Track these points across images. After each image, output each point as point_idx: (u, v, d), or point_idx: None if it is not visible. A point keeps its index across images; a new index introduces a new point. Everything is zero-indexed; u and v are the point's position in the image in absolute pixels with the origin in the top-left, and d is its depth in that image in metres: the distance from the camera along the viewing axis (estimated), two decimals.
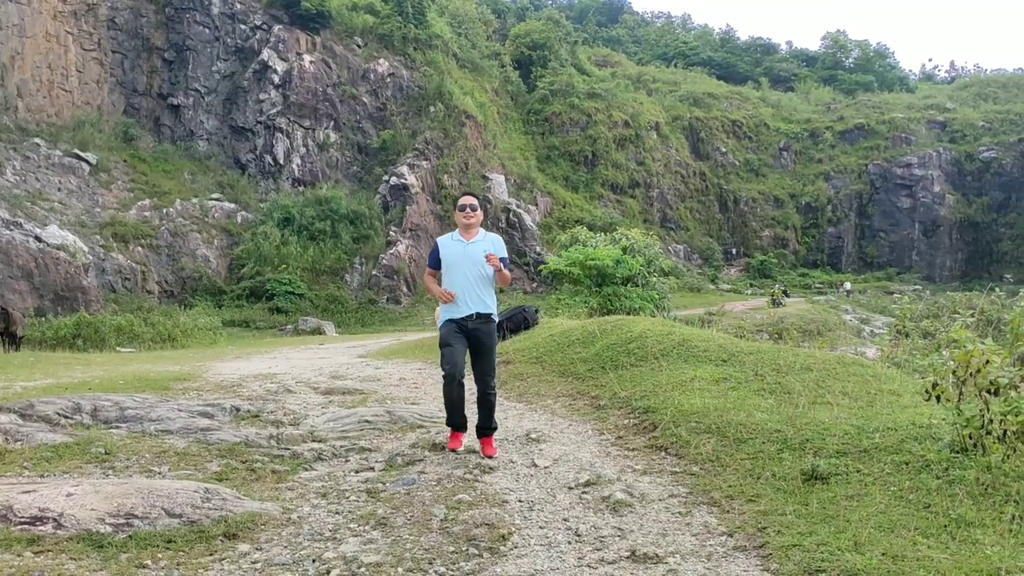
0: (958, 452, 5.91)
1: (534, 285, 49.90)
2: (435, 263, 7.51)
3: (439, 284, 7.53)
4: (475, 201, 7.52)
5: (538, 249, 52.93)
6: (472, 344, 7.34)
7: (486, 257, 7.31)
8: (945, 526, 4.95)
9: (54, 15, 47.15)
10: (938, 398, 6.36)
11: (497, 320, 7.58)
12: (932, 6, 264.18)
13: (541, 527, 5.56)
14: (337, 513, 5.92)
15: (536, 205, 59.51)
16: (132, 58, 51.33)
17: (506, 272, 7.42)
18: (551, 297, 25.65)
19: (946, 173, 76.64)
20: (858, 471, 5.90)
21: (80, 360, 17.52)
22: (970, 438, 5.95)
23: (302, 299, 42.79)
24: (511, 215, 55.03)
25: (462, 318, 7.29)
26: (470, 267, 7.30)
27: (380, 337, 28.53)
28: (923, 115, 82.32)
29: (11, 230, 33.10)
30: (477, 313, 7.30)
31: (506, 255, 7.49)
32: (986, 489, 5.35)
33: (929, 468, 5.77)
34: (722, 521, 5.46)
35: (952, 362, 6.41)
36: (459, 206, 7.48)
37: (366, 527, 5.60)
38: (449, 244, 7.47)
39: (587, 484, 6.45)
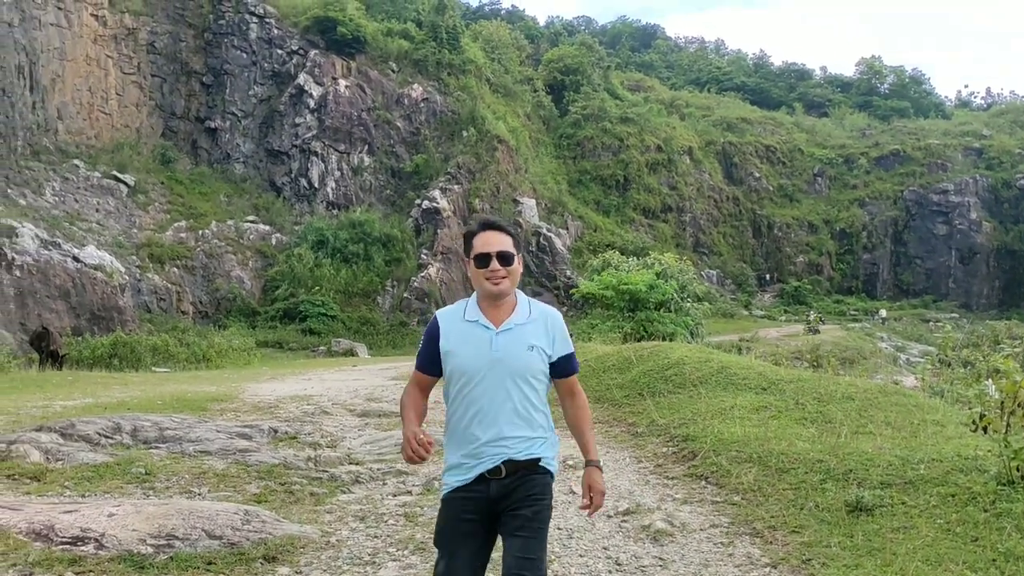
0: (1005, 484, 5.81)
1: (564, 309, 49.84)
2: (428, 364, 3.79)
3: (422, 404, 3.88)
4: (508, 243, 3.75)
5: (569, 273, 52.86)
6: (504, 522, 3.64)
7: (584, 507, 3.77)
8: (993, 560, 4.86)
9: (95, 39, 47.99)
10: (985, 429, 6.25)
11: (555, 472, 3.80)
12: (968, 32, 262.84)
13: (581, 555, 5.52)
14: (376, 537, 5.91)
15: (567, 229, 59.49)
16: (171, 82, 52.09)
17: (596, 497, 3.77)
18: (582, 321, 25.58)
19: (983, 200, 75.72)
20: (903, 503, 5.81)
21: (117, 380, 17.69)
22: (1018, 470, 5.84)
23: (334, 321, 42.94)
24: (542, 239, 55.06)
25: (480, 479, 3.63)
26: (505, 379, 3.64)
27: (412, 359, 28.57)
28: (959, 142, 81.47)
29: (50, 250, 33.57)
30: (513, 462, 3.62)
31: (572, 348, 3.83)
32: None
33: (976, 500, 5.67)
34: (765, 552, 5.39)
35: (999, 393, 6.31)
36: (477, 256, 3.72)
37: (405, 551, 5.59)
38: (460, 328, 3.73)
39: (627, 513, 6.40)
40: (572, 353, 3.82)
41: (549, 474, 3.71)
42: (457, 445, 3.69)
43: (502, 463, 3.61)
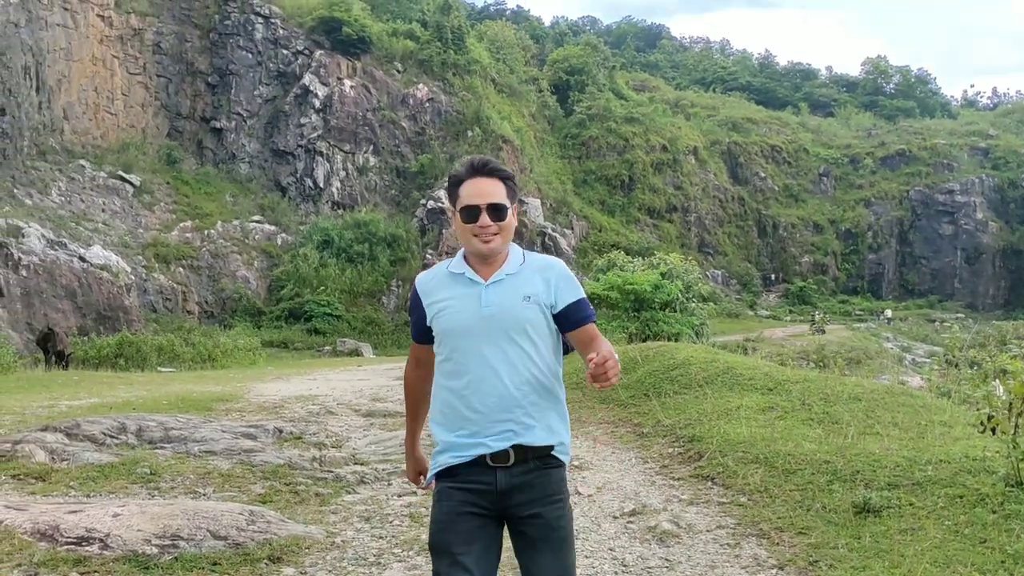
0: (1013, 486, 5.77)
1: None
2: (419, 332, 3.29)
3: (426, 378, 3.34)
4: (501, 192, 3.16)
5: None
6: (520, 529, 3.10)
7: (590, 361, 2.93)
8: (1002, 562, 4.83)
9: (101, 39, 48.09)
10: (993, 430, 6.22)
11: (568, 460, 3.24)
12: (973, 31, 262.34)
13: (587, 556, 5.49)
14: (381, 537, 5.89)
15: (572, 229, 59.49)
16: (176, 82, 52.20)
17: (605, 351, 2.96)
18: None
19: (989, 200, 75.57)
20: (911, 504, 5.78)
21: (122, 379, 17.70)
22: None
23: (340, 320, 43.03)
24: (547, 239, 55.05)
25: (476, 461, 3.08)
26: (499, 338, 3.10)
27: None
28: (965, 141, 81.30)
29: (56, 250, 33.62)
30: (523, 447, 3.07)
31: (581, 293, 3.20)
32: None
33: (984, 502, 5.63)
34: (772, 554, 5.36)
35: (1007, 393, 6.28)
36: (464, 209, 3.14)
37: (410, 552, 5.57)
38: (444, 284, 3.22)
39: (632, 513, 6.37)
40: (583, 299, 3.18)
41: (563, 466, 3.17)
42: (450, 421, 3.13)
43: (511, 447, 3.05)
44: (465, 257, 3.21)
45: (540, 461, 3.09)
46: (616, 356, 2.93)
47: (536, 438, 3.08)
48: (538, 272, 3.18)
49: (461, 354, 3.11)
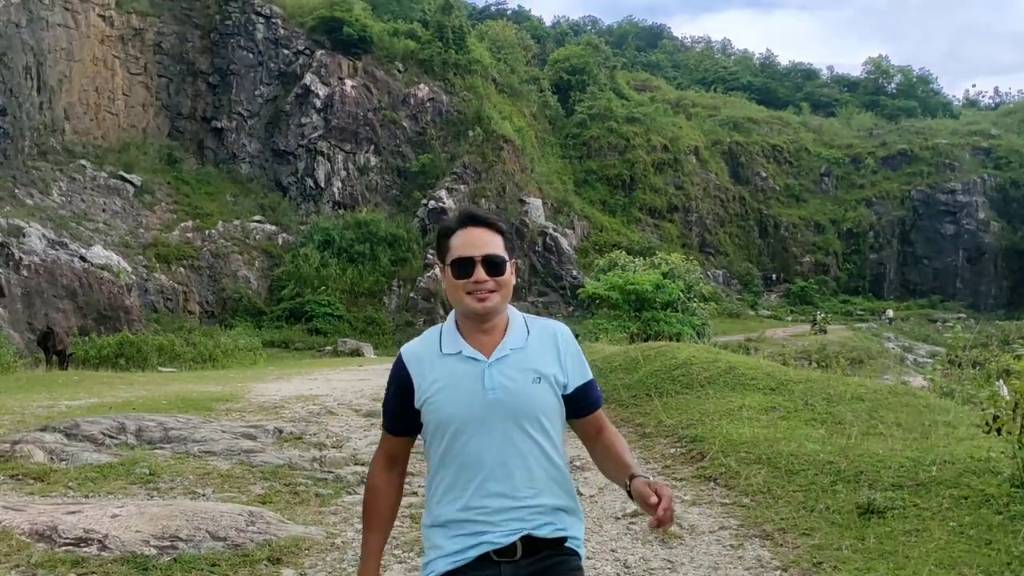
0: (1019, 487, 5.74)
1: (570, 309, 49.75)
2: (399, 422, 2.77)
3: (400, 484, 2.90)
4: (498, 243, 2.71)
5: (575, 273, 52.79)
6: None
7: (654, 508, 2.46)
8: (1008, 563, 4.79)
9: (102, 39, 48.09)
10: (998, 431, 6.17)
11: (584, 554, 2.76)
12: (974, 31, 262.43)
13: (588, 558, 5.45)
14: None
15: (573, 229, 59.43)
16: (177, 82, 52.18)
17: (667, 492, 2.50)
18: (588, 321, 25.52)
19: (991, 200, 75.46)
20: (915, 505, 5.74)
21: (123, 379, 17.68)
22: None
23: (340, 320, 42.99)
24: (548, 239, 55.01)
25: (485, 560, 2.60)
26: (508, 426, 2.63)
27: None
28: (967, 141, 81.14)
29: (57, 250, 33.61)
30: (532, 538, 2.61)
31: (589, 373, 2.79)
32: None
33: (989, 503, 5.60)
34: (775, 555, 5.33)
35: (1012, 394, 6.24)
36: (456, 261, 2.68)
37: (410, 553, 5.55)
38: (437, 366, 2.69)
39: (634, 514, 6.33)
40: (592, 380, 2.77)
41: (577, 555, 2.68)
42: (447, 521, 2.65)
43: (518, 539, 2.59)
44: (457, 325, 2.75)
45: (553, 550, 2.64)
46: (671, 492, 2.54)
47: (546, 531, 2.63)
48: (550, 344, 2.74)
49: (463, 446, 2.63)
